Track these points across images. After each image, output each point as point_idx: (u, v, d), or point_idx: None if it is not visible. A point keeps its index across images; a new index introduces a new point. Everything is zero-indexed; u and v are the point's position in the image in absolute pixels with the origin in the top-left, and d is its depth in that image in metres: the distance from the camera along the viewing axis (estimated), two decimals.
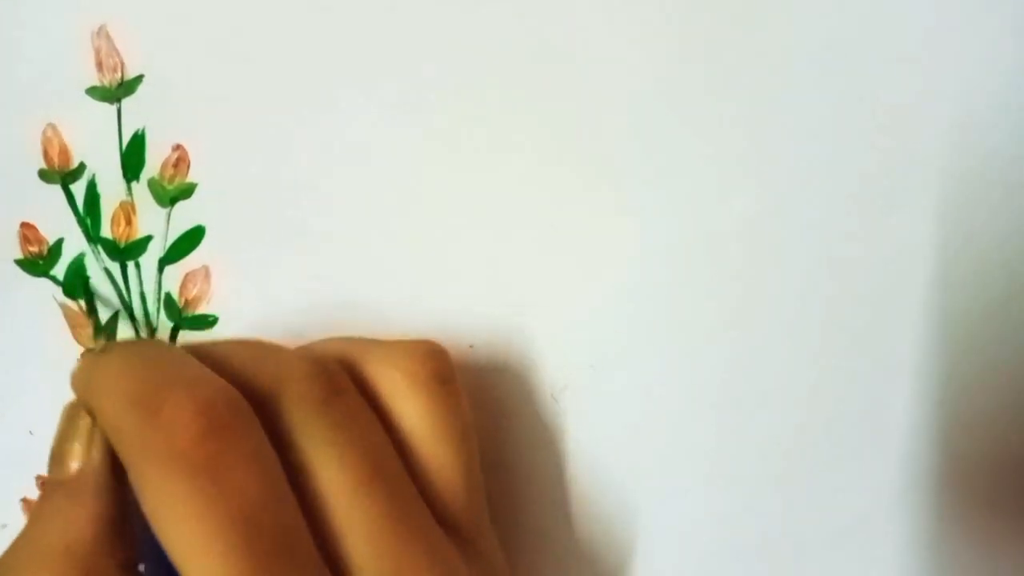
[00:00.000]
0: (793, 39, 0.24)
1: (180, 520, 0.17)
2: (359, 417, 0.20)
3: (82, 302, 0.27)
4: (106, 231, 0.27)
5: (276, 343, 0.21)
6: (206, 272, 0.27)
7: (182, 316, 0.27)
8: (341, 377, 0.20)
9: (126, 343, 0.25)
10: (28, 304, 0.27)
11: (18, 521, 0.27)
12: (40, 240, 0.27)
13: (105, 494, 0.19)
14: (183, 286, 0.27)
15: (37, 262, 0.27)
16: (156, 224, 0.27)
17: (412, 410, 0.21)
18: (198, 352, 0.20)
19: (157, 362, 0.19)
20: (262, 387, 0.19)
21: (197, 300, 0.27)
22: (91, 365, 0.20)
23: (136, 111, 0.26)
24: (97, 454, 0.20)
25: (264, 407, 0.19)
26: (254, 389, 0.19)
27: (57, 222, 0.27)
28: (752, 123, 0.25)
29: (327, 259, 0.26)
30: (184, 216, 0.26)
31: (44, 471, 0.27)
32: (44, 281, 0.27)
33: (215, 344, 0.20)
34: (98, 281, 0.27)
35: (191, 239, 0.26)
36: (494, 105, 0.25)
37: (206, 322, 0.27)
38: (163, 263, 0.27)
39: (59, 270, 0.27)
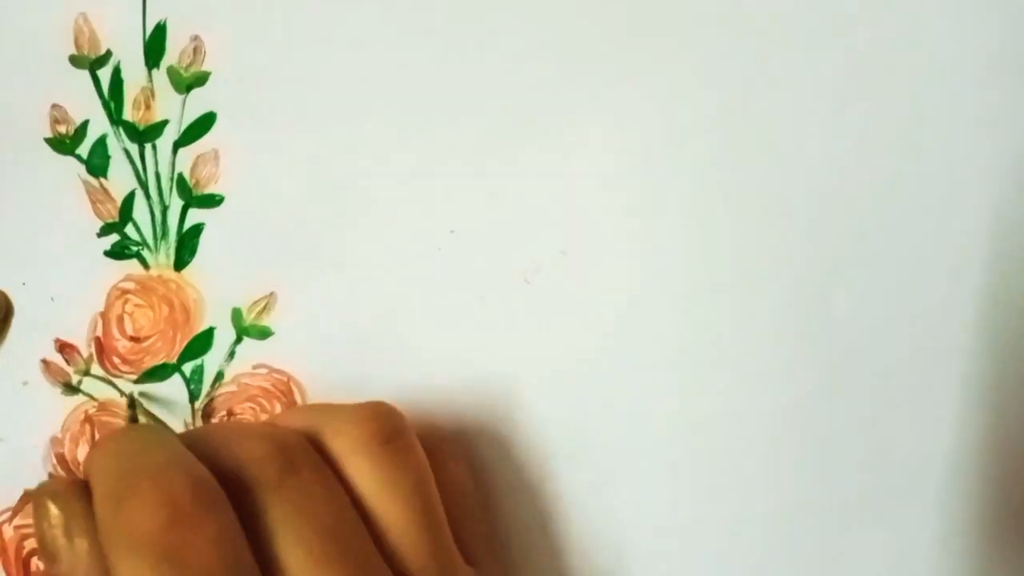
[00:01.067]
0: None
1: None
2: (314, 493, 0.22)
3: (103, 180, 0.29)
4: (127, 115, 0.29)
5: (252, 422, 0.23)
6: (215, 155, 0.29)
7: (192, 195, 0.29)
8: (297, 454, 0.22)
9: (123, 431, 0.26)
10: (55, 180, 0.30)
11: (39, 379, 0.30)
12: (68, 121, 0.29)
13: None
14: (194, 167, 0.29)
15: (64, 141, 0.29)
16: (172, 109, 0.29)
17: (360, 473, 0.23)
18: (190, 436, 0.22)
19: (134, 453, 0.21)
20: (228, 471, 0.21)
21: (206, 181, 0.29)
22: (89, 453, 0.22)
23: (159, 3, 0.29)
24: (82, 544, 0.21)
25: (233, 489, 0.21)
26: (222, 472, 0.21)
27: (83, 105, 0.29)
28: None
29: (327, 142, 0.28)
30: (198, 103, 0.29)
31: (64, 336, 0.30)
32: (70, 159, 0.29)
33: (209, 428, 0.23)
34: (118, 160, 0.29)
35: (203, 124, 0.29)
36: None
37: (213, 201, 0.29)
38: (177, 146, 0.29)
39: (83, 149, 0.29)
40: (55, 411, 0.30)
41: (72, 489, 0.21)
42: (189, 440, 0.22)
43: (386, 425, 0.23)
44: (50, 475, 0.29)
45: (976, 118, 0.26)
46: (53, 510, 0.21)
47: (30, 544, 0.30)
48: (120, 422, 0.29)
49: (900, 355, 0.26)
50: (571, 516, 0.27)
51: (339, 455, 0.23)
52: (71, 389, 0.30)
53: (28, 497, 0.22)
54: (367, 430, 0.23)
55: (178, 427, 0.29)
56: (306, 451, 0.22)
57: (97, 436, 0.30)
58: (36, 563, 0.30)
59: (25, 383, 0.30)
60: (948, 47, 0.26)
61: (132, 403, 0.28)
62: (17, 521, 0.30)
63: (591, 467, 0.27)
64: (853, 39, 0.26)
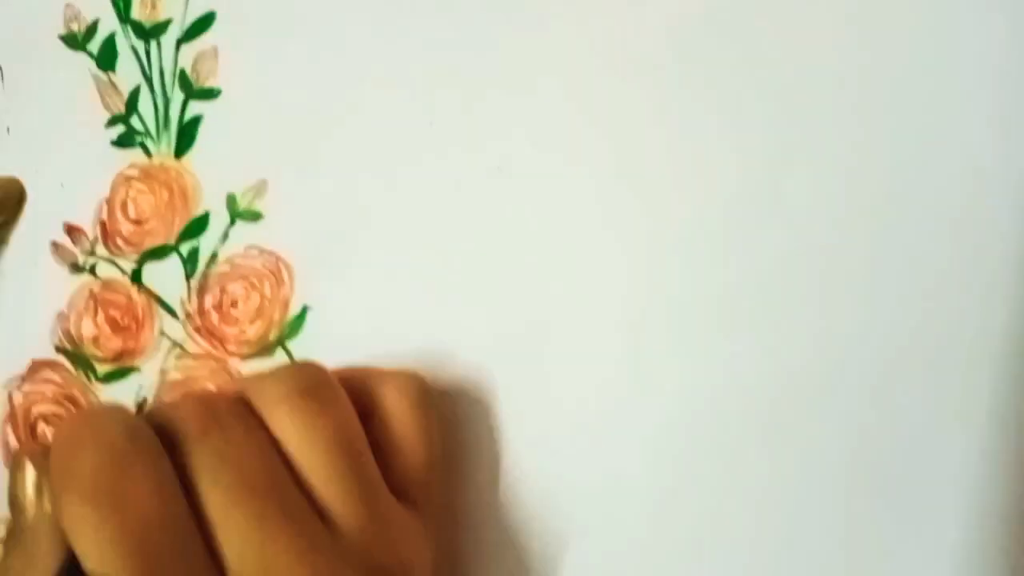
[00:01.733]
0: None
1: (88, 536, 0.21)
2: (235, 442, 0.23)
3: (112, 75, 0.32)
4: (135, 14, 0.32)
5: (203, 391, 0.25)
6: (214, 51, 0.31)
7: (192, 89, 0.32)
8: (220, 410, 0.24)
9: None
10: (67, 75, 0.32)
11: (48, 260, 0.32)
12: (80, 19, 0.32)
13: (58, 545, 0.22)
14: (195, 63, 0.32)
15: (77, 38, 0.32)
16: (176, 9, 0.32)
17: (281, 425, 0.24)
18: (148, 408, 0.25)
19: (84, 416, 0.25)
20: (159, 427, 0.23)
21: (206, 75, 0.31)
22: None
23: None
24: (48, 502, 0.23)
25: (169, 445, 0.23)
26: (155, 428, 0.23)
27: (95, 5, 0.32)
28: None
29: (317, 41, 0.31)
30: (199, 2, 0.31)
31: (72, 219, 0.32)
32: (82, 55, 0.32)
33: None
34: (125, 57, 0.32)
35: (204, 23, 0.31)
36: None
37: (211, 94, 0.31)
38: (179, 43, 0.31)
39: (94, 46, 0.32)
40: (62, 289, 0.32)
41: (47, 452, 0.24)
42: (150, 410, 0.25)
43: (305, 378, 0.25)
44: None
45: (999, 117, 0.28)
46: (28, 468, 0.23)
47: (37, 409, 0.32)
48: (121, 299, 0.32)
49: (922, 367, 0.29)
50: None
51: (263, 409, 0.25)
52: (77, 269, 0.32)
53: (14, 456, 0.25)
54: (287, 385, 0.25)
55: (176, 304, 0.32)
56: (230, 407, 0.24)
57: (100, 312, 0.32)
58: (43, 428, 0.32)
59: (36, 263, 0.33)
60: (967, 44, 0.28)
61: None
62: (26, 388, 0.32)
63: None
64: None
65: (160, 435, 0.23)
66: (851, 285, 0.29)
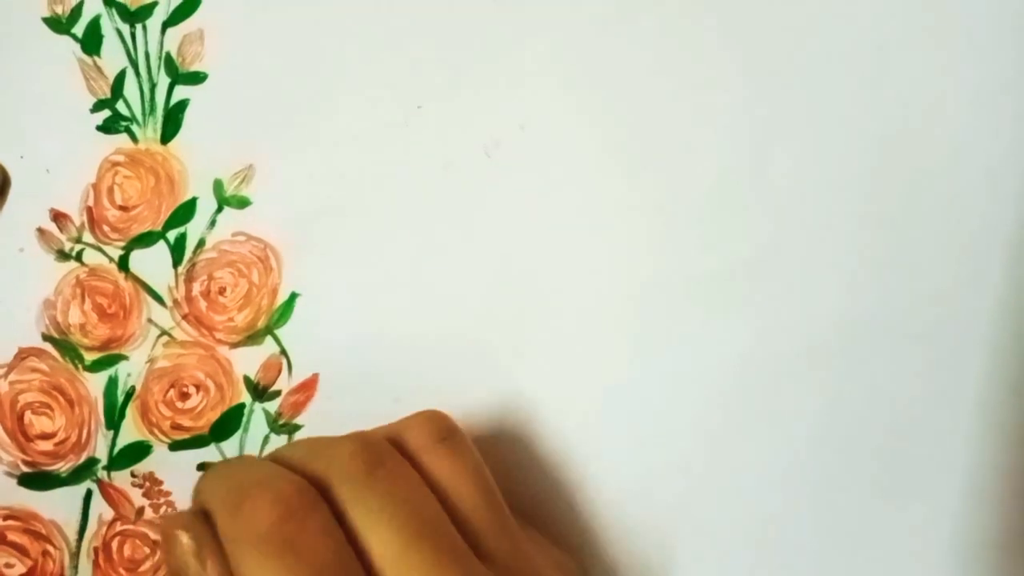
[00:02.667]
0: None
1: None
2: (401, 482, 0.24)
3: (97, 59, 0.31)
4: None
5: (331, 436, 0.25)
6: (200, 35, 0.31)
7: (178, 73, 0.31)
8: (382, 448, 0.25)
9: (221, 462, 0.30)
10: (51, 59, 0.32)
11: (34, 246, 0.32)
12: (64, 1, 0.31)
13: None
14: (181, 46, 0.31)
15: (61, 21, 0.31)
16: None
17: (431, 467, 0.25)
18: (273, 456, 0.25)
19: (236, 472, 0.24)
20: (317, 473, 0.24)
21: (192, 59, 0.31)
22: (197, 484, 0.25)
23: None
24: (213, 565, 0.23)
25: (324, 490, 0.23)
26: (314, 477, 0.24)
27: None
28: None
29: (303, 23, 0.30)
30: None
31: (58, 206, 0.32)
32: (66, 38, 0.32)
33: (286, 447, 0.26)
34: (110, 40, 0.31)
35: (190, 5, 0.31)
36: None
37: (198, 78, 0.31)
38: (165, 26, 0.31)
39: (79, 29, 0.31)
40: (49, 276, 0.32)
41: (197, 518, 0.24)
42: (279, 457, 0.25)
43: (446, 425, 0.26)
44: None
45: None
46: (184, 539, 0.23)
47: (24, 399, 0.32)
48: (109, 286, 0.32)
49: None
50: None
51: (415, 453, 0.25)
52: (64, 256, 0.32)
53: (159, 528, 0.25)
54: (433, 430, 0.26)
55: (163, 291, 0.31)
56: (387, 447, 0.25)
57: (87, 300, 0.32)
58: (29, 418, 0.32)
59: (21, 250, 0.32)
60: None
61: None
62: (12, 376, 0.32)
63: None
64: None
65: (312, 483, 0.23)
66: (840, 264, 0.29)
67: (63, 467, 0.32)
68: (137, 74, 0.31)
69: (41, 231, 0.32)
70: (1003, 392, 0.28)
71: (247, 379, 0.31)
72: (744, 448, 0.29)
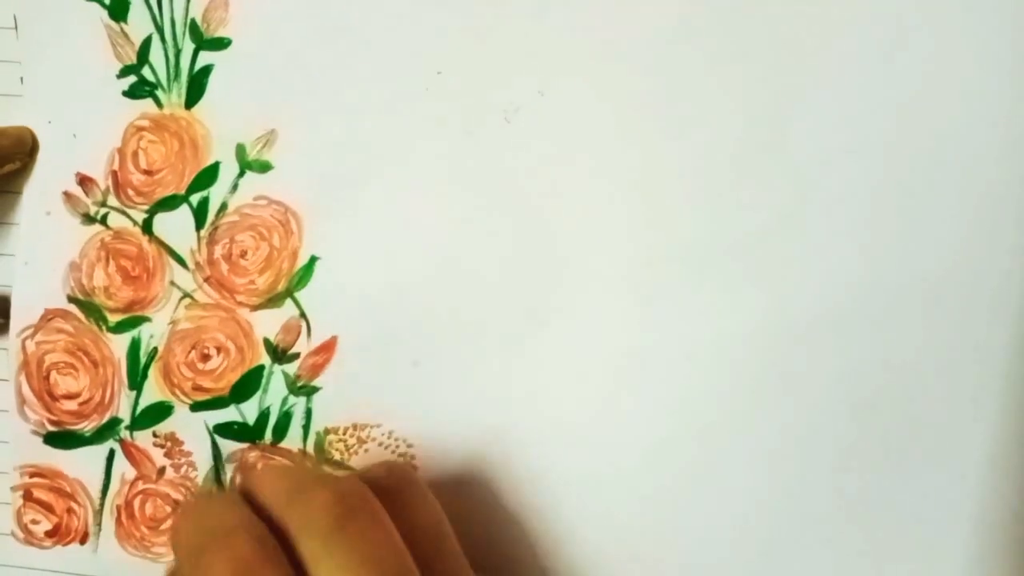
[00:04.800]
0: None
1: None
2: (370, 538, 0.24)
3: (124, 25, 0.32)
4: None
5: (311, 475, 0.26)
6: (225, 1, 0.31)
7: (203, 39, 0.32)
8: (356, 501, 0.24)
9: (197, 500, 0.29)
10: (79, 25, 0.32)
11: (60, 210, 0.32)
12: None
13: None
14: (205, 13, 0.31)
15: None
16: None
17: (419, 515, 0.26)
18: (249, 489, 0.25)
19: (207, 517, 0.24)
20: (289, 522, 0.24)
21: (216, 25, 0.31)
22: (173, 522, 0.27)
23: None
24: None
25: (293, 540, 0.24)
26: (284, 525, 0.24)
27: None
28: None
29: None
30: None
31: (84, 170, 0.32)
32: (94, 5, 0.32)
33: (268, 474, 0.26)
34: (137, 6, 0.32)
35: None
36: None
37: (222, 44, 0.31)
38: None
39: None
40: (74, 239, 0.33)
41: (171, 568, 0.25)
42: (254, 493, 0.25)
43: (407, 474, 0.27)
44: None
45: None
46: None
47: (49, 359, 0.33)
48: (133, 249, 0.32)
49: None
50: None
51: (390, 499, 0.25)
52: (89, 219, 0.32)
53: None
54: (389, 478, 0.27)
55: (186, 254, 0.32)
56: (362, 497, 0.25)
57: (111, 262, 0.32)
58: (55, 377, 0.33)
59: (48, 213, 0.33)
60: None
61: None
62: (39, 337, 0.33)
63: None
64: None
65: (284, 530, 0.24)
66: (857, 234, 0.29)
67: (87, 426, 0.32)
68: (163, 40, 0.32)
69: (67, 195, 0.33)
70: (1022, 359, 0.28)
71: (267, 341, 0.31)
72: (762, 416, 0.29)
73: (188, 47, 0.32)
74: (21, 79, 0.33)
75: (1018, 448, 0.28)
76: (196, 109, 0.32)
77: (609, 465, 0.30)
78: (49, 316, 0.33)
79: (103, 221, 0.32)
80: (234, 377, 0.32)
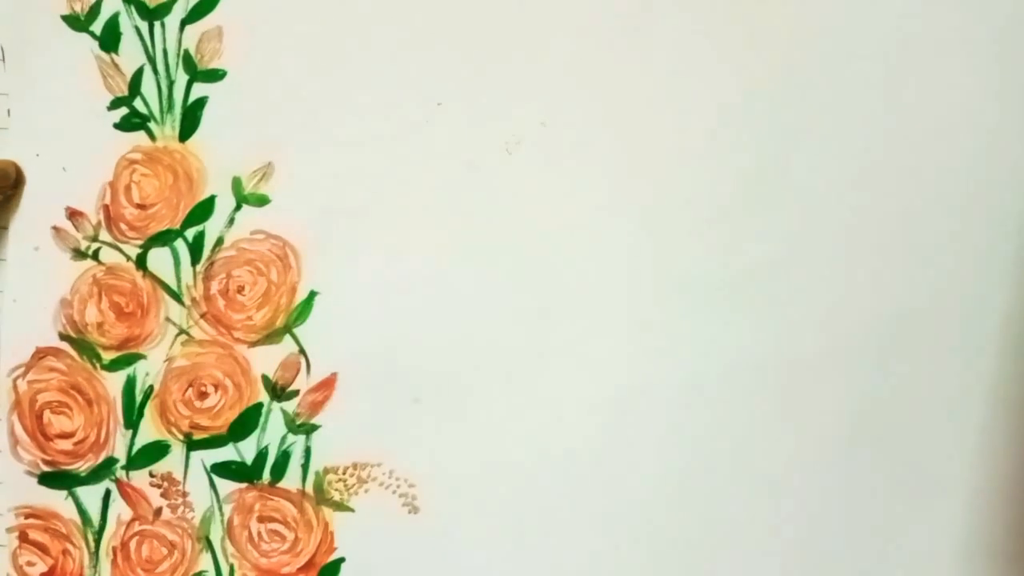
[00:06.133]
0: None
1: None
2: None
3: (115, 56, 0.31)
4: None
5: None
6: (219, 32, 0.31)
7: (197, 70, 0.31)
8: None
9: None
10: (69, 56, 0.31)
11: (50, 245, 0.32)
12: None
13: None
14: (199, 43, 0.31)
15: (79, 18, 0.31)
16: None
17: None
18: None
19: None
20: None
21: (211, 56, 0.31)
22: None
23: None
24: None
25: None
26: None
27: None
28: None
29: (323, 20, 0.30)
30: None
31: (75, 204, 0.32)
32: (84, 36, 0.31)
33: None
34: (128, 37, 0.31)
35: (209, 2, 0.31)
36: None
37: (216, 75, 0.31)
38: (184, 23, 0.31)
39: (97, 27, 0.31)
40: (65, 275, 0.32)
41: None
42: None
43: None
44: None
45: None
46: None
47: (42, 398, 0.32)
48: (126, 284, 0.31)
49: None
50: None
51: None
52: (80, 254, 0.32)
53: None
54: None
55: (181, 290, 0.31)
56: None
57: (104, 298, 0.32)
58: (48, 417, 0.32)
59: (36, 248, 0.32)
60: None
61: None
62: (31, 376, 0.32)
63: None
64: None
65: None
66: (865, 264, 0.28)
67: (82, 466, 0.32)
68: (155, 71, 0.31)
69: (57, 229, 0.32)
70: (1014, 389, 0.28)
71: (265, 378, 0.31)
72: (769, 447, 0.29)
73: (182, 78, 0.31)
74: (8, 111, 0.32)
75: (1007, 476, 0.28)
76: (190, 142, 0.31)
77: (614, 500, 0.29)
78: (41, 354, 0.32)
79: (95, 256, 0.32)
80: (232, 415, 0.31)
